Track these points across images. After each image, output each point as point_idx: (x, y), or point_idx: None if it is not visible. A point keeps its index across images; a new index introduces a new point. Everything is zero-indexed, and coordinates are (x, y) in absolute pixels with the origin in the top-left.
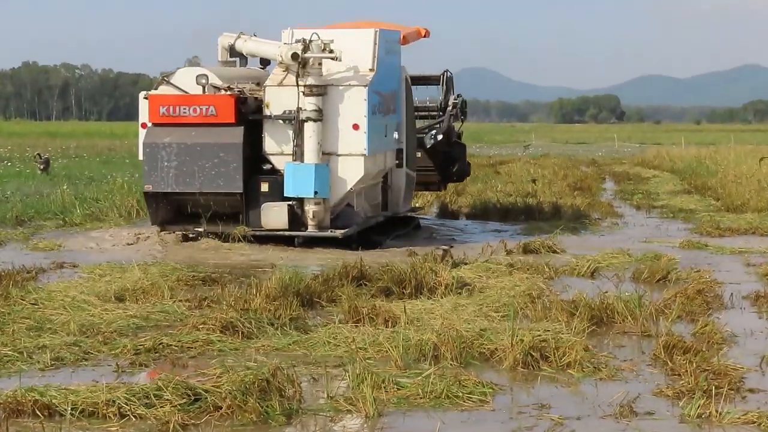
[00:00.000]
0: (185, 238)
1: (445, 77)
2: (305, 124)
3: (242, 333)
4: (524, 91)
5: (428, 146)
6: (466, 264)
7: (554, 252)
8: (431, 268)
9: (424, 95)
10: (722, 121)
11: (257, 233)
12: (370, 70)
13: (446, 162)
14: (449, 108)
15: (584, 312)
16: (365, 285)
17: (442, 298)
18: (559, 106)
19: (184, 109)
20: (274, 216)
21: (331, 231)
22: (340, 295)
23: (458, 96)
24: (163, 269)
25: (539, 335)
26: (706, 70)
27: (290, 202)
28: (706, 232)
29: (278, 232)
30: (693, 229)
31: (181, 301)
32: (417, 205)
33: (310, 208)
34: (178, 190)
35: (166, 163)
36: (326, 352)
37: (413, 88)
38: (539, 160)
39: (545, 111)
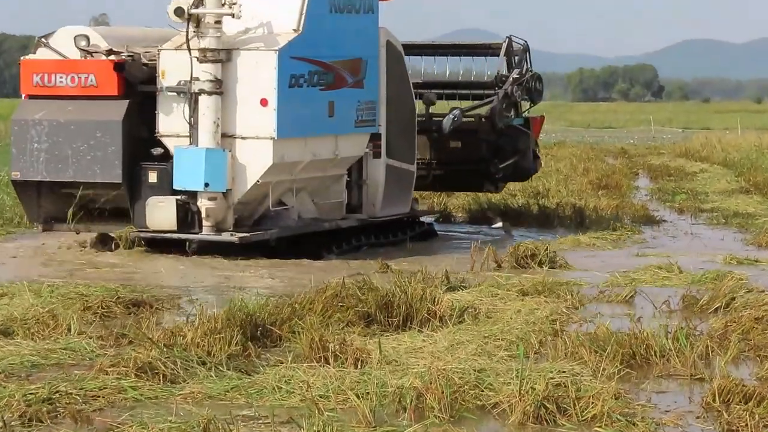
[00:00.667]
0: (109, 245)
1: (507, 45)
2: (199, 97)
3: (164, 376)
4: (534, 60)
5: (446, 131)
6: (464, 287)
7: (555, 267)
8: (430, 292)
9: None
10: None
11: (142, 235)
12: (294, 30)
13: (494, 155)
14: (507, 84)
15: (615, 349)
16: (339, 310)
17: (434, 332)
18: (578, 80)
19: (61, 77)
20: (160, 214)
21: (231, 234)
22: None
23: (527, 70)
24: (68, 290)
25: (555, 380)
26: None
27: (180, 197)
28: (766, 244)
29: (166, 235)
30: (750, 239)
31: (91, 337)
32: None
33: (203, 205)
34: (49, 179)
35: (36, 145)
36: (276, 401)
37: (475, 59)
38: (553, 150)
39: (561, 85)
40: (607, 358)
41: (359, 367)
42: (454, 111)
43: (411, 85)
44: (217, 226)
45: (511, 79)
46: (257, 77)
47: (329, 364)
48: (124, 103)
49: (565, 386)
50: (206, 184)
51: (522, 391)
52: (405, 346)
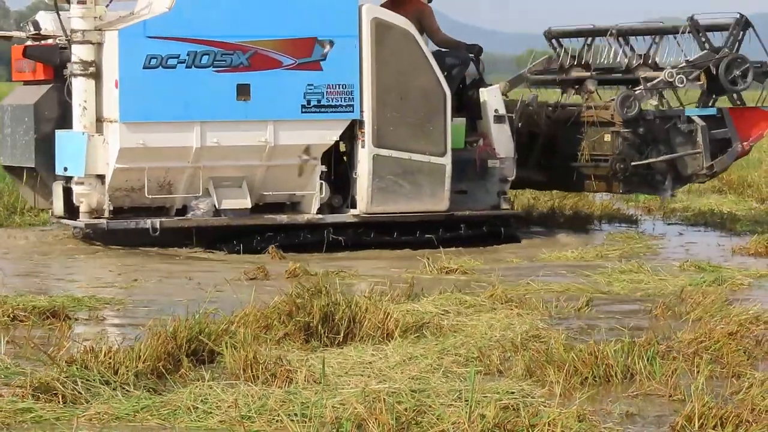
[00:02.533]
0: None
1: (690, 23)
2: (72, 80)
3: (63, 397)
4: (477, 38)
5: (518, 124)
6: (425, 296)
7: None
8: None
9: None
10: None
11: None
12: (168, 8)
13: (638, 150)
14: (668, 72)
15: (573, 368)
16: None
17: (380, 342)
18: (529, 61)
19: (22, 63)
20: (55, 199)
21: (103, 219)
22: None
23: (720, 52)
24: None
25: (504, 404)
26: None
27: (66, 183)
28: (757, 251)
29: (63, 221)
30: (743, 247)
31: None
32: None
33: (75, 190)
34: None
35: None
36: (192, 423)
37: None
38: None
39: (508, 67)
40: (567, 378)
41: (286, 385)
42: (527, 97)
43: (434, 68)
44: (94, 213)
45: (683, 62)
46: (113, 59)
47: (254, 382)
48: (44, 88)
49: (516, 409)
50: (65, 168)
51: (471, 417)
52: (351, 360)
